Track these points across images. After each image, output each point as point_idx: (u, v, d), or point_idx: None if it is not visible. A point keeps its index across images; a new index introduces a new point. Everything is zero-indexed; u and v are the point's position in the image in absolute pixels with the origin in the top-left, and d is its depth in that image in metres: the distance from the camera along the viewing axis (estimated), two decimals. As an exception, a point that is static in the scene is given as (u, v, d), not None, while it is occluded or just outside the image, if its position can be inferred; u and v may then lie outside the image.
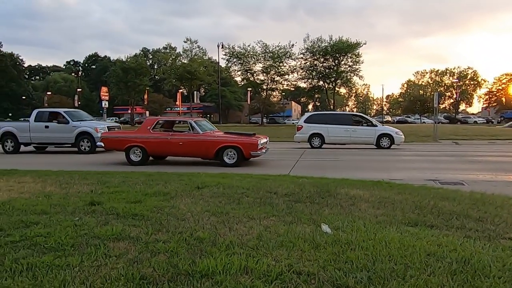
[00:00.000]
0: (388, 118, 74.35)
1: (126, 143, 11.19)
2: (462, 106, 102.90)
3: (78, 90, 69.36)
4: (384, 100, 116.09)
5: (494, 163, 11.85)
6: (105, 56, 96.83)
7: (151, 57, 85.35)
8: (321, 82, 52.38)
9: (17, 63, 79.79)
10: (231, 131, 13.38)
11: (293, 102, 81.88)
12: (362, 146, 17.13)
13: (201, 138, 10.84)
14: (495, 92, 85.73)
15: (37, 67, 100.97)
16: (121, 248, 3.47)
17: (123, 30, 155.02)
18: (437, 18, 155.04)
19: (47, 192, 6.02)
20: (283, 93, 68.97)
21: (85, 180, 7.11)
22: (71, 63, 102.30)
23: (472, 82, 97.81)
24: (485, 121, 65.15)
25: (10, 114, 64.60)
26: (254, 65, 49.84)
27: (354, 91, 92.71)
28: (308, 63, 50.17)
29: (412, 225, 4.32)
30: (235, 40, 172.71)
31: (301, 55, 49.41)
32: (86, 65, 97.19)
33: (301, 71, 50.74)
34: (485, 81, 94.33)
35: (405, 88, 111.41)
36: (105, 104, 29.91)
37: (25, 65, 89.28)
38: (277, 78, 50.71)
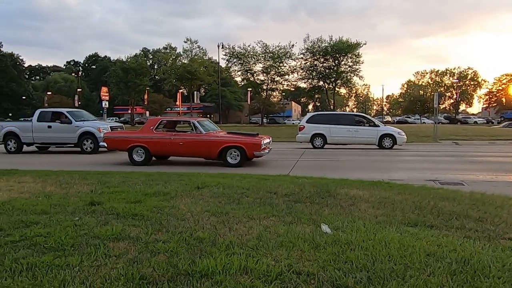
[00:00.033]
0: (388, 118, 74.31)
1: (129, 143, 11.19)
2: (462, 107, 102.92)
3: (78, 90, 69.37)
4: (384, 100, 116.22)
5: (494, 164, 11.85)
6: (105, 56, 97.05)
7: (151, 57, 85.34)
8: (321, 82, 52.30)
9: (18, 63, 79.81)
10: (233, 131, 13.39)
11: (293, 102, 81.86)
12: (363, 147, 17.11)
13: (204, 138, 10.83)
14: (495, 93, 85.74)
15: (37, 67, 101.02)
16: (121, 248, 3.47)
17: (123, 30, 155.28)
18: (437, 18, 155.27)
19: (47, 192, 6.02)
20: (283, 93, 68.99)
21: (85, 180, 7.11)
22: (71, 63, 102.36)
23: (472, 83, 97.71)
24: (485, 122, 65.15)
25: (10, 114, 64.61)
26: (254, 65, 49.81)
27: (354, 91, 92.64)
28: (308, 63, 50.12)
29: (412, 225, 4.32)
30: (235, 40, 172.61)
31: (301, 55, 49.38)
32: (86, 65, 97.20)
33: (301, 71, 50.70)
34: (485, 82, 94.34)
35: (405, 89, 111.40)
36: (105, 104, 29.91)
37: (25, 65, 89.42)
38: (277, 78, 50.66)
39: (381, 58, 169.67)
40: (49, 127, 15.12)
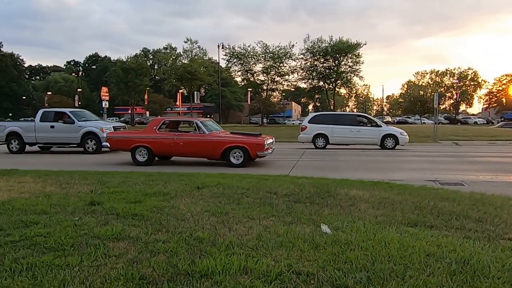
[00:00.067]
0: (388, 118, 74.29)
1: (132, 143, 11.17)
2: (462, 107, 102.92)
3: (79, 90, 69.37)
4: (384, 100, 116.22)
5: (494, 164, 11.85)
6: (106, 56, 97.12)
7: (151, 57, 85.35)
8: (321, 83, 52.32)
9: (18, 63, 79.87)
10: (236, 131, 13.39)
11: (293, 103, 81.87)
12: (364, 147, 17.10)
13: (208, 139, 10.82)
14: (495, 93, 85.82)
15: (37, 67, 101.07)
16: (121, 248, 3.47)
17: (123, 30, 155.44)
18: (438, 18, 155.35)
19: (47, 192, 6.02)
20: (283, 94, 68.98)
21: (85, 180, 7.11)
22: (72, 63, 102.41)
23: (472, 83, 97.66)
24: (485, 122, 65.14)
25: (10, 114, 64.63)
26: (254, 65, 49.84)
27: (354, 91, 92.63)
28: (308, 64, 50.15)
29: (411, 226, 4.32)
30: (236, 40, 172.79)
31: (301, 56, 49.41)
32: (87, 65, 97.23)
33: (301, 71, 50.74)
34: (485, 82, 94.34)
35: (405, 89, 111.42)
36: (105, 104, 29.95)
37: (26, 65, 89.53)
38: (277, 79, 50.69)
39: (381, 58, 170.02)
40: (52, 127, 15.09)
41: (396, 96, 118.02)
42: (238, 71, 52.18)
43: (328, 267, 3.04)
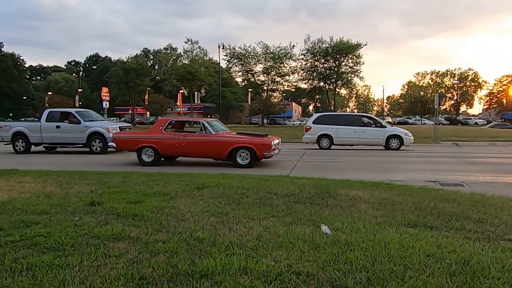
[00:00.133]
0: (389, 119, 74.23)
1: (138, 144, 11.16)
2: (463, 108, 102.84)
3: (79, 90, 69.37)
4: (385, 101, 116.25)
5: (495, 165, 11.85)
6: (106, 56, 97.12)
7: (152, 57, 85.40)
8: (321, 83, 52.37)
9: (18, 64, 79.95)
10: (242, 131, 13.39)
11: (293, 103, 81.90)
12: (367, 148, 17.07)
13: (214, 139, 10.80)
14: (496, 94, 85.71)
15: (38, 67, 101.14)
16: (121, 248, 3.48)
17: (124, 30, 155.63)
18: (438, 19, 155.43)
19: (47, 192, 6.03)
20: (284, 94, 68.98)
21: (86, 180, 7.12)
22: (72, 63, 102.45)
23: (473, 84, 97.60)
24: (486, 123, 65.06)
25: (11, 114, 64.70)
26: (254, 66, 49.92)
27: (354, 92, 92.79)
28: (308, 64, 50.20)
29: (411, 226, 4.32)
30: (236, 41, 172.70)
31: (302, 56, 49.50)
32: (87, 65, 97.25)
33: (301, 72, 50.83)
34: (486, 83, 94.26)
35: (405, 89, 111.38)
36: (105, 104, 29.97)
37: (26, 66, 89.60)
38: (277, 79, 50.77)
39: (381, 59, 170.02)
40: (58, 127, 15.05)
41: (397, 97, 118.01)
42: (238, 72, 52.31)
43: (328, 267, 3.05)
